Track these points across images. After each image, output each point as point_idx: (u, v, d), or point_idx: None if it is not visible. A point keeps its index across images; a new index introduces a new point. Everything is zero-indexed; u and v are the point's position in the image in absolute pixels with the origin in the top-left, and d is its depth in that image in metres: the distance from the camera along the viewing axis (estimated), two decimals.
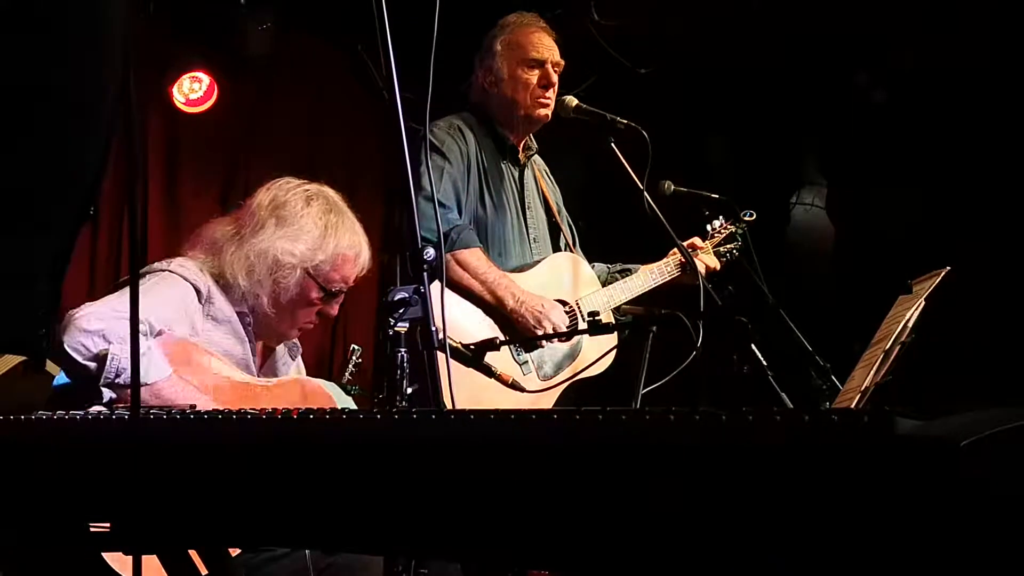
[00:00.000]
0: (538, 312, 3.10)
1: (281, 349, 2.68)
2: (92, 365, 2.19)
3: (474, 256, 3.10)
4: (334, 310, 2.60)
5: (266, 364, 2.65)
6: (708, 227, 3.70)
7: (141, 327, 2.22)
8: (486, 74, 3.37)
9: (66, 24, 1.16)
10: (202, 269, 2.47)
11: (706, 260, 3.56)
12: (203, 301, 2.44)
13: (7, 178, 1.17)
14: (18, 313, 1.26)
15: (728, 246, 3.69)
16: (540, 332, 3.07)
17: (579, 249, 3.54)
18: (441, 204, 3.06)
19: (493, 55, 3.36)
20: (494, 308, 3.10)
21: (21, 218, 1.20)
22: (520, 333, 3.09)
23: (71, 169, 1.23)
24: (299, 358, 2.76)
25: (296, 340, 2.69)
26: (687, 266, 3.40)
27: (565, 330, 3.15)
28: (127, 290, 2.35)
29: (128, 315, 2.18)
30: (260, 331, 2.56)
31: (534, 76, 3.33)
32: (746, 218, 3.70)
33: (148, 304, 2.28)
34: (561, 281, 3.31)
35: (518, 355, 3.13)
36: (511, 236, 3.30)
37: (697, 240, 3.62)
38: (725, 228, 3.71)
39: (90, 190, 1.27)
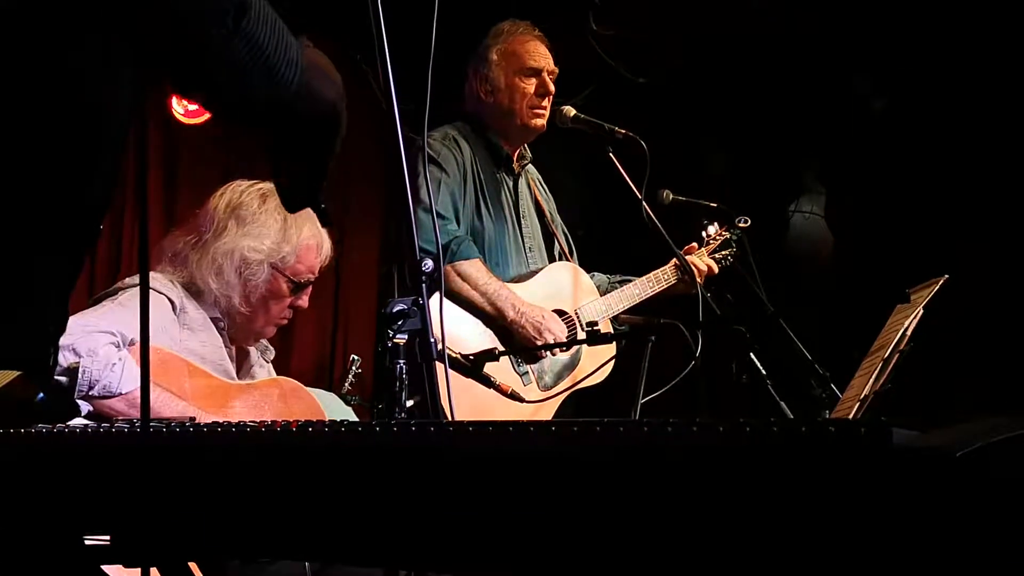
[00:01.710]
0: (538, 323, 3.10)
1: (255, 353, 2.71)
2: (63, 379, 2.21)
3: (474, 267, 3.10)
4: (305, 302, 2.65)
5: (242, 368, 2.68)
6: (704, 234, 3.71)
7: (111, 339, 2.26)
8: (481, 83, 3.36)
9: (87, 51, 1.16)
10: (172, 281, 2.50)
11: (703, 263, 3.55)
12: (177, 312, 2.47)
13: (30, 204, 1.17)
14: (31, 333, 1.27)
15: (723, 252, 3.69)
16: (541, 343, 3.07)
17: (575, 258, 3.54)
18: (440, 215, 3.06)
19: (488, 64, 3.35)
20: (494, 319, 3.10)
21: (40, 242, 1.21)
22: (520, 344, 3.09)
23: (86, 193, 1.23)
24: (270, 365, 2.78)
25: (268, 344, 2.73)
26: (685, 273, 3.40)
27: (565, 340, 3.15)
28: (101, 306, 2.40)
29: (98, 329, 2.25)
30: (236, 333, 2.59)
31: (531, 85, 3.33)
32: (740, 224, 3.70)
33: (119, 318, 2.30)
34: (560, 291, 3.31)
35: (518, 366, 3.13)
36: (508, 246, 3.30)
37: (694, 246, 3.62)
38: (720, 234, 3.71)
39: (100, 212, 1.27)
